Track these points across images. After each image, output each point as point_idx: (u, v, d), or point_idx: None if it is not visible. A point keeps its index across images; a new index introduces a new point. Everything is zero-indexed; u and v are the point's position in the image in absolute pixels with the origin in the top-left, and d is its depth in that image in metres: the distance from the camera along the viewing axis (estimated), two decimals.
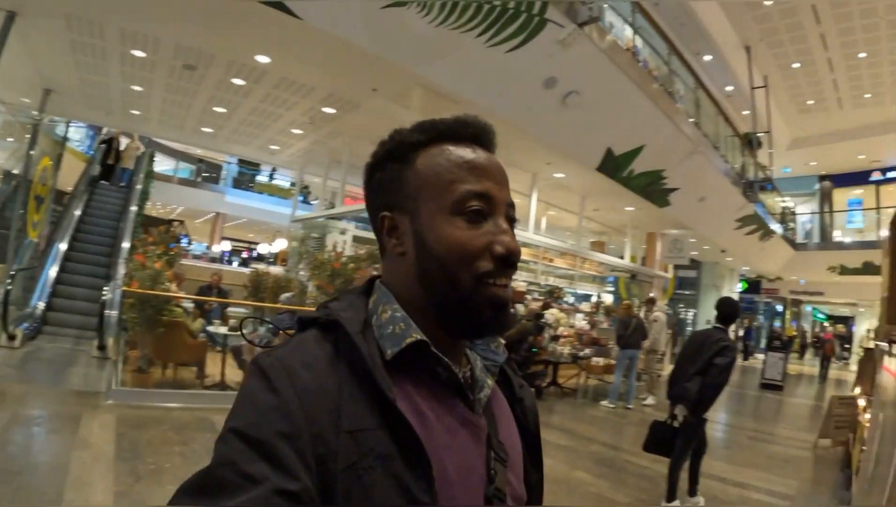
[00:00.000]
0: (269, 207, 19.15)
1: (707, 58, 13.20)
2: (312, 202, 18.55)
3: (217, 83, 7.47)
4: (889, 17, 11.25)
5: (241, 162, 18.74)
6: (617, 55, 6.99)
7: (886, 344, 2.17)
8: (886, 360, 2.14)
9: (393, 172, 0.72)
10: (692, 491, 4.44)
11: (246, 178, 20.07)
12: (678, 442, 4.15)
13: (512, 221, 0.72)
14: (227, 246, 20.52)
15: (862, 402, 5.13)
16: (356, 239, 9.77)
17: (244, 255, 24.31)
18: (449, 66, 6.12)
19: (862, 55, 12.95)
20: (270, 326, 7.12)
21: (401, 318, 0.68)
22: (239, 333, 7.11)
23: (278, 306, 7.55)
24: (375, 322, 0.69)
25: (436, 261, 0.67)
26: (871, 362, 6.40)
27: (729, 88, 14.63)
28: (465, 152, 0.71)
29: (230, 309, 9.97)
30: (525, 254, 10.81)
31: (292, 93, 7.43)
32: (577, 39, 6.31)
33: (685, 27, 11.58)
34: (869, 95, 15.13)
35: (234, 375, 6.68)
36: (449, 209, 0.68)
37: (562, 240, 13.42)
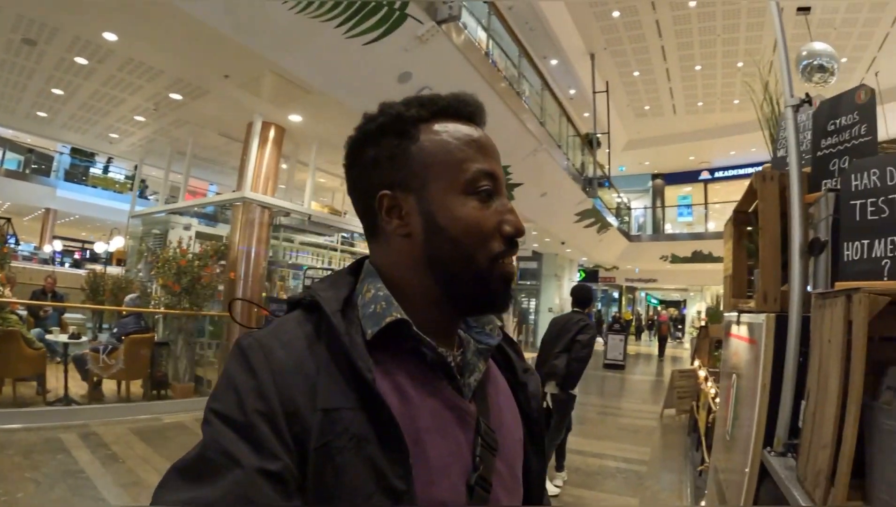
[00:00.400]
0: (104, 203, 17.27)
1: (553, 62, 14.01)
2: (150, 197, 17.21)
3: (58, 62, 6.77)
4: (725, 35, 12.86)
5: (74, 152, 16.73)
6: (470, 53, 7.23)
7: (735, 314, 2.45)
8: (734, 328, 2.42)
9: (392, 148, 0.69)
10: (559, 466, 4.73)
11: (79, 170, 17.84)
12: (553, 420, 4.40)
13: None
14: (58, 246, 18.22)
15: (702, 373, 5.78)
16: (199, 235, 9.27)
17: (77, 255, 21.83)
18: (306, 55, 6.01)
19: (698, 67, 14.56)
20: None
21: (383, 297, 0.67)
22: (77, 340, 6.45)
23: (122, 308, 7.00)
24: (360, 302, 0.67)
25: (450, 242, 0.66)
26: (706, 337, 7.25)
27: (572, 91, 15.63)
28: (471, 131, 0.70)
29: (67, 315, 9.02)
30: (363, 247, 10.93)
31: (138, 76, 6.88)
32: (435, 36, 6.43)
33: (535, 32, 12.24)
34: (701, 104, 17.03)
35: (80, 387, 6.14)
36: (462, 188, 0.67)
37: None
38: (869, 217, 1.40)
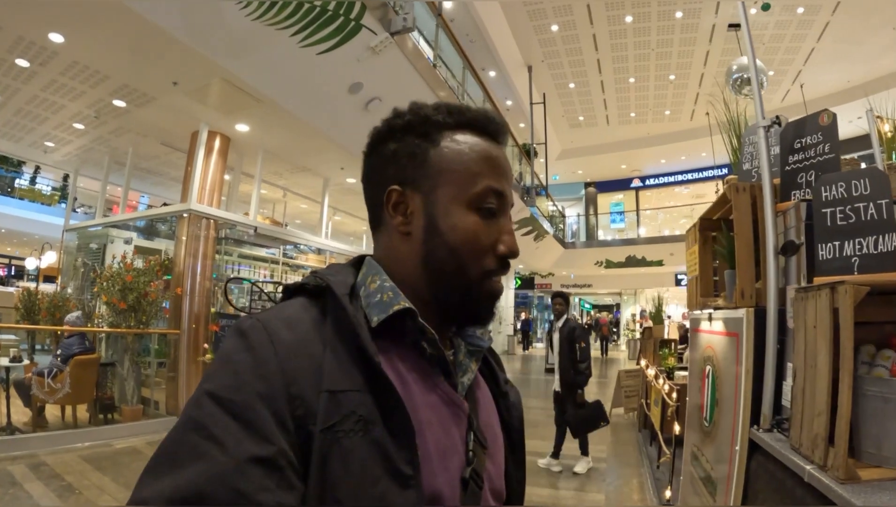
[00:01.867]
0: (32, 216, 16.23)
1: (492, 74, 14.43)
2: (77, 210, 16.33)
3: None
4: (659, 49, 13.70)
5: (1, 162, 15.69)
6: (419, 63, 7.43)
7: (701, 311, 2.75)
8: (704, 324, 2.71)
9: (413, 147, 0.71)
10: (584, 452, 5.61)
11: (5, 181, 16.80)
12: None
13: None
14: None
15: (651, 371, 6.18)
16: (139, 249, 9.03)
17: (2, 272, 20.39)
18: (259, 63, 6.04)
19: (632, 80, 15.43)
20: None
21: (389, 287, 0.69)
22: (19, 363, 6.14)
23: (63, 328, 6.68)
24: (363, 292, 0.69)
25: (446, 248, 0.69)
26: (650, 338, 7.73)
27: (509, 103, 16.15)
28: (491, 148, 0.73)
29: (1, 336, 8.54)
30: (314, 261, 10.93)
31: (82, 80, 6.63)
32: (388, 47, 6.61)
33: (475, 44, 12.61)
34: (634, 115, 17.98)
35: (21, 414, 5.87)
36: (468, 201, 0.69)
37: (348, 244, 13.46)
38: (838, 222, 1.68)
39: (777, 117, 2.06)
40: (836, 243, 1.67)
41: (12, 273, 20.23)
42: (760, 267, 2.14)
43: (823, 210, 1.72)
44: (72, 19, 5.31)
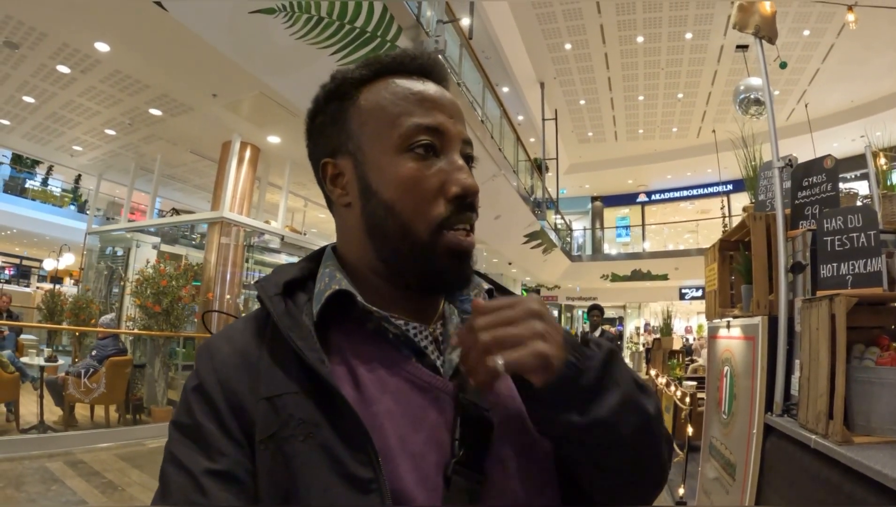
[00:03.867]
0: (44, 217, 16.62)
1: (505, 89, 14.86)
2: (87, 211, 16.80)
3: (37, 69, 6.77)
4: (668, 68, 14.28)
5: (15, 162, 16.11)
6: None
7: (720, 319, 3.22)
8: (722, 331, 3.18)
9: (334, 113, 0.67)
10: None
11: (19, 182, 17.21)
12: None
13: (469, 159, 0.67)
14: None
15: (662, 380, 6.63)
16: (167, 255, 9.39)
17: (9, 272, 20.71)
18: (299, 79, 6.38)
19: (640, 98, 16.00)
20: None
21: (328, 273, 0.65)
22: (54, 363, 6.50)
23: (98, 329, 6.98)
24: (317, 285, 0.66)
25: (383, 207, 0.62)
26: (659, 349, 8.20)
27: (520, 118, 16.58)
28: (414, 84, 0.66)
29: (23, 336, 8.86)
30: None
31: (121, 89, 7.02)
32: None
33: (490, 60, 13.10)
34: (642, 131, 18.53)
35: (51, 413, 5.99)
36: (395, 147, 0.62)
37: None
38: (836, 248, 2.16)
39: (790, 160, 2.56)
40: (835, 264, 2.15)
41: (19, 273, 20.59)
42: (773, 282, 2.61)
43: (825, 238, 2.20)
44: (121, 31, 5.63)
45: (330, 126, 0.67)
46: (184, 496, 0.53)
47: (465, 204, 0.62)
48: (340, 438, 0.54)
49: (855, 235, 2.12)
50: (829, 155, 2.47)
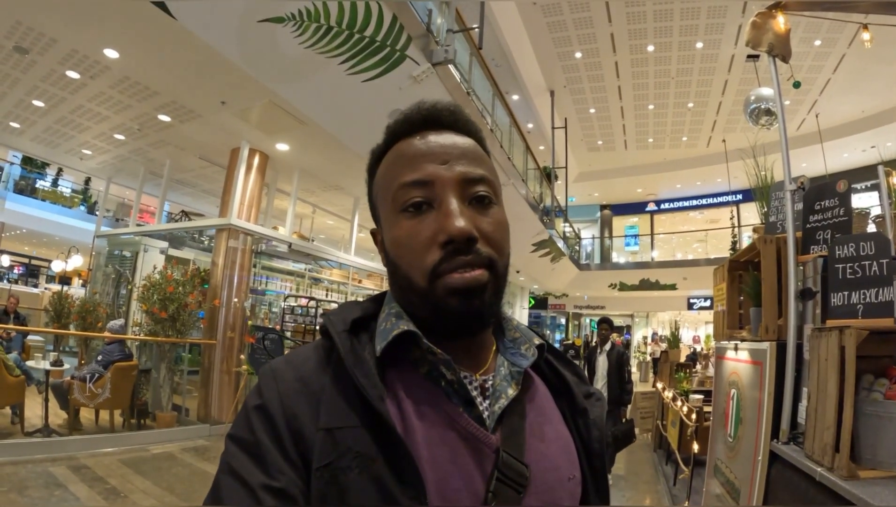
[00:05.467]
0: (54, 218, 16.68)
1: (515, 97, 14.83)
2: (96, 212, 16.93)
3: (47, 73, 6.82)
4: (679, 77, 14.26)
5: (25, 163, 16.23)
6: (457, 93, 7.86)
7: (728, 341, 3.20)
8: (729, 353, 3.16)
9: (370, 187, 0.76)
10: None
11: (29, 182, 17.32)
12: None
13: (477, 197, 0.67)
14: (6, 261, 17.51)
15: (669, 393, 6.59)
16: (169, 259, 9.52)
17: (18, 271, 20.87)
18: (308, 88, 6.44)
19: (651, 106, 15.99)
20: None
21: (394, 313, 0.68)
22: (60, 367, 6.52)
23: (105, 335, 6.89)
24: (379, 326, 0.69)
25: (393, 266, 0.68)
26: (667, 362, 8.14)
27: (530, 126, 16.58)
28: (403, 144, 0.70)
29: (30, 337, 8.90)
30: (337, 276, 11.29)
31: (130, 95, 7.05)
32: (429, 77, 7.05)
33: (500, 68, 13.09)
34: (651, 140, 18.50)
35: (55, 417, 6.01)
36: (392, 210, 0.67)
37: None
38: (848, 276, 2.14)
39: (802, 183, 2.54)
40: (846, 293, 2.13)
41: (28, 273, 20.74)
42: (782, 306, 2.59)
43: (836, 265, 2.18)
44: (130, 38, 5.65)
45: (369, 200, 0.76)
46: (242, 503, 0.55)
47: (456, 248, 0.63)
48: (392, 472, 0.56)
49: (867, 262, 2.09)
50: (843, 179, 2.44)
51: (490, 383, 0.68)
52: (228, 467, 0.58)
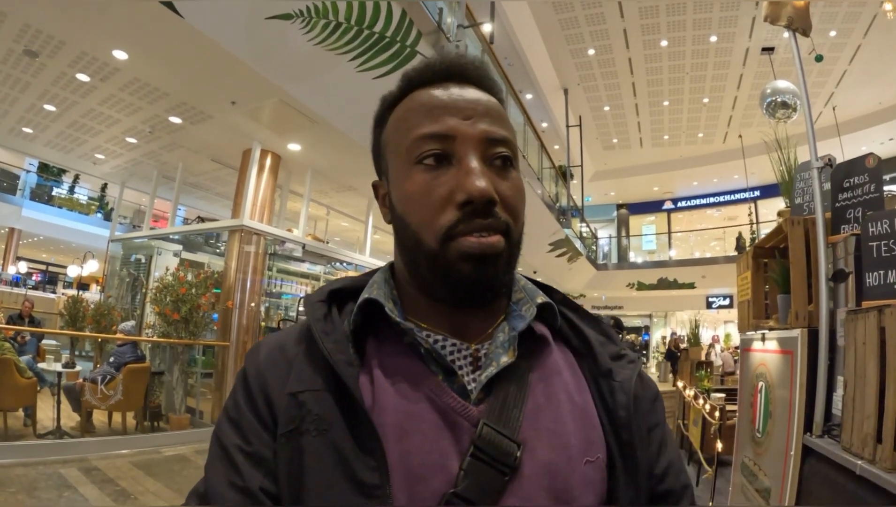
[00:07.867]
0: (70, 224, 17.00)
1: (528, 96, 14.77)
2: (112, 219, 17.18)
3: (57, 77, 6.82)
4: (693, 72, 14.05)
5: (42, 170, 16.46)
6: None
7: (755, 331, 3.04)
8: (756, 344, 3.00)
9: (377, 137, 0.70)
10: None
11: (46, 190, 17.59)
12: None
13: (498, 158, 0.61)
14: (23, 267, 17.80)
15: (690, 392, 6.41)
16: (188, 262, 9.44)
17: (36, 278, 21.19)
18: (318, 85, 6.35)
19: (665, 103, 15.77)
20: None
21: (376, 283, 0.66)
22: (72, 369, 6.51)
23: (118, 337, 6.89)
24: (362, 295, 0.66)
25: (401, 222, 0.63)
26: (687, 360, 7.95)
27: (545, 125, 16.45)
28: (431, 92, 0.64)
29: (45, 341, 8.95)
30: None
31: (141, 97, 7.03)
32: None
33: (513, 67, 13.01)
34: (667, 137, 18.27)
35: (68, 419, 5.98)
36: (406, 161, 0.61)
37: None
38: (883, 254, 1.98)
39: (829, 160, 2.38)
40: (882, 272, 1.97)
41: (46, 279, 21.00)
42: (812, 291, 2.43)
43: (870, 243, 2.03)
44: (138, 38, 5.60)
45: (375, 150, 0.71)
46: (219, 464, 0.58)
47: (475, 209, 0.57)
48: (352, 439, 0.54)
49: None
50: (872, 153, 2.29)
51: (483, 351, 0.62)
52: (217, 429, 0.61)
